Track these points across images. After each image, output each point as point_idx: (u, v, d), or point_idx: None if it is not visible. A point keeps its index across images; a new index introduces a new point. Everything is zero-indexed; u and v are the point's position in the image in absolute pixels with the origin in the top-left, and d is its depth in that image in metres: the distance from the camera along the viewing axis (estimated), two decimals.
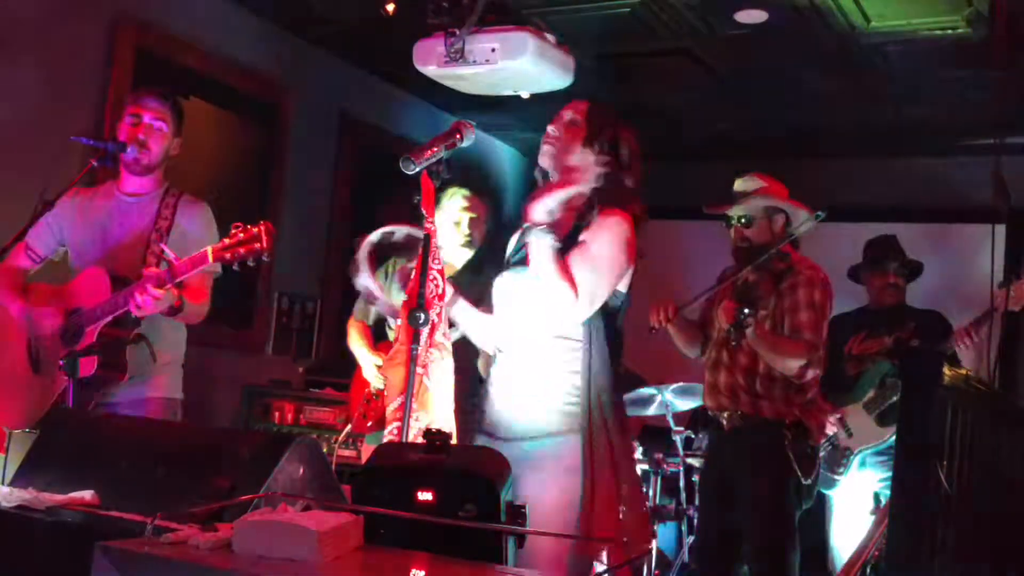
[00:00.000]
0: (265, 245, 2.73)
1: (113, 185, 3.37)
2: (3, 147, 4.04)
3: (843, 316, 4.54)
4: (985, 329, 3.92)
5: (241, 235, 2.75)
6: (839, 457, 4.26)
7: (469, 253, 3.93)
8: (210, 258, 2.79)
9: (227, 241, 2.77)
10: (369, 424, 3.91)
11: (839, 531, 4.35)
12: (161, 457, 2.08)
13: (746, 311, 3.39)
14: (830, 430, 4.23)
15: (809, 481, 3.60)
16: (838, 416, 4.26)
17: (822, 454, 4.19)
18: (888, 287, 4.48)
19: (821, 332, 3.59)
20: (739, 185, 3.83)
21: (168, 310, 3.03)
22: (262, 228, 2.75)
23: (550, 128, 2.79)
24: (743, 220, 3.71)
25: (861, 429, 4.25)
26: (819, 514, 4.41)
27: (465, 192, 3.92)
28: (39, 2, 4.19)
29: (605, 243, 2.63)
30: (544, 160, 2.78)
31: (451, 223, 3.90)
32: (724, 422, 3.73)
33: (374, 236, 2.94)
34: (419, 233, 2.60)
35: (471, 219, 3.92)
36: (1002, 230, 5.52)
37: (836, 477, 4.28)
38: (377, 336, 3.97)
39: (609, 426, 2.58)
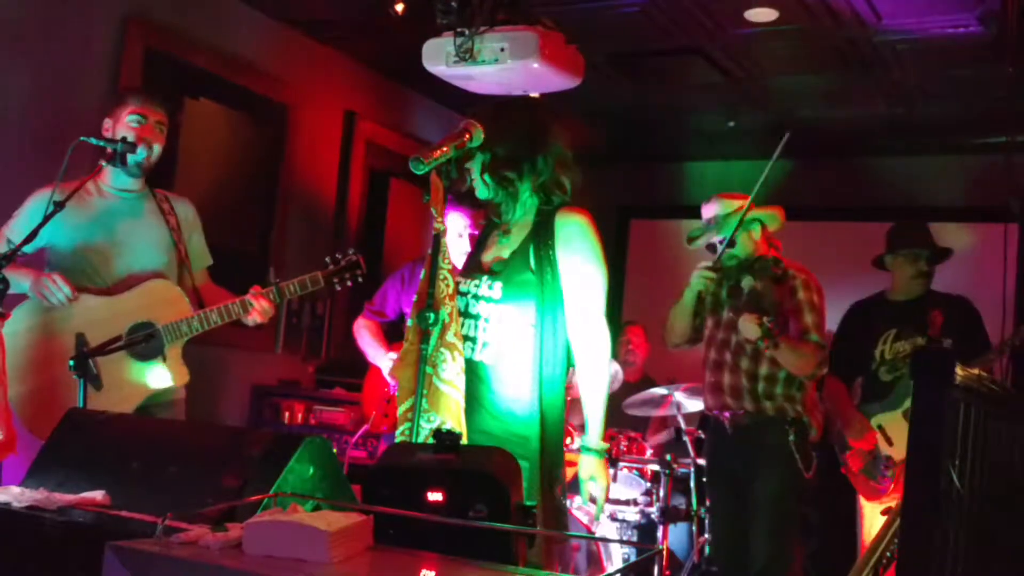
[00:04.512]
0: (364, 271, 3.38)
1: (97, 181, 3.34)
2: (12, 146, 4.06)
3: (865, 306, 4.43)
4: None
5: (344, 262, 3.35)
6: (881, 467, 4.17)
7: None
8: (321, 281, 3.32)
9: (332, 267, 3.34)
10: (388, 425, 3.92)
11: None
12: (172, 457, 2.08)
13: (773, 319, 3.51)
14: (871, 442, 4.18)
15: (810, 476, 3.72)
16: (879, 426, 4.19)
17: (865, 463, 4.18)
18: (919, 275, 4.30)
19: (824, 332, 3.74)
20: (715, 209, 3.84)
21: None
22: (360, 258, 3.38)
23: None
24: (727, 243, 3.75)
25: (904, 439, 4.14)
26: (852, 519, 4.37)
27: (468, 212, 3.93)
28: (48, 1, 4.20)
29: (597, 256, 2.67)
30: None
31: (454, 235, 3.89)
32: (727, 422, 3.82)
33: None
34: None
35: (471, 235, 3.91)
36: (1015, 229, 5.48)
37: (880, 488, 4.17)
38: (393, 336, 3.97)
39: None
